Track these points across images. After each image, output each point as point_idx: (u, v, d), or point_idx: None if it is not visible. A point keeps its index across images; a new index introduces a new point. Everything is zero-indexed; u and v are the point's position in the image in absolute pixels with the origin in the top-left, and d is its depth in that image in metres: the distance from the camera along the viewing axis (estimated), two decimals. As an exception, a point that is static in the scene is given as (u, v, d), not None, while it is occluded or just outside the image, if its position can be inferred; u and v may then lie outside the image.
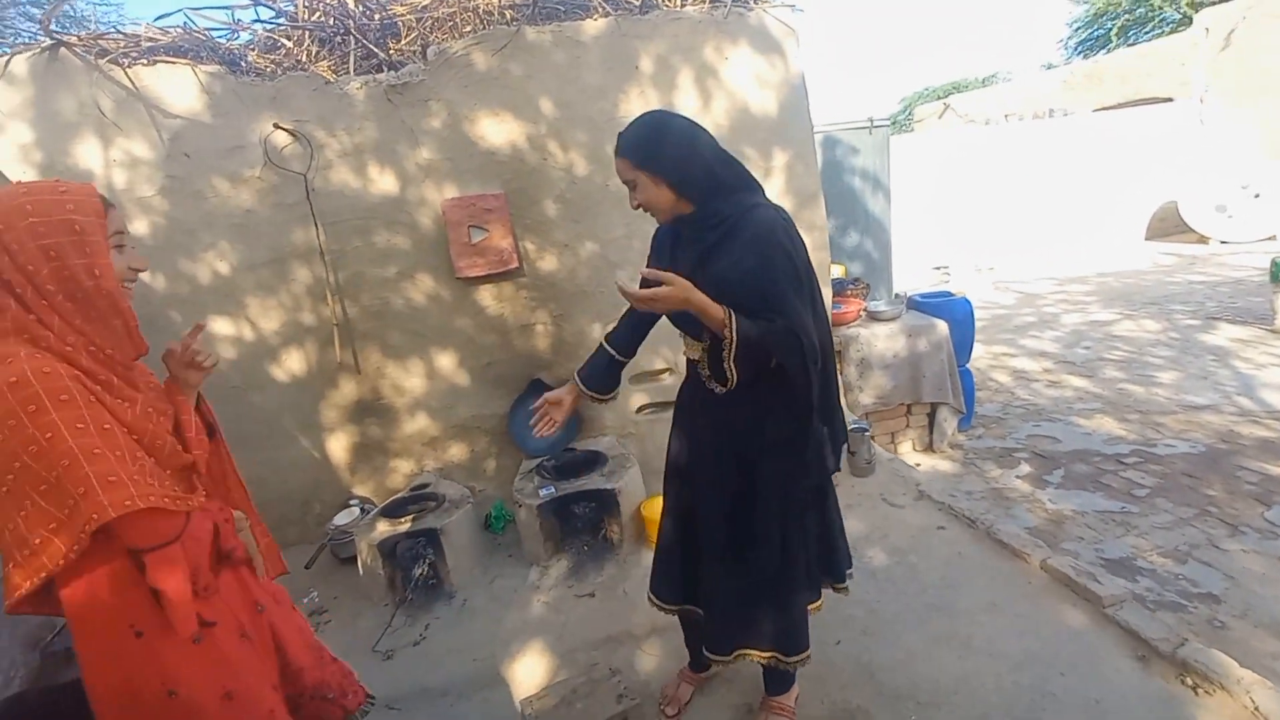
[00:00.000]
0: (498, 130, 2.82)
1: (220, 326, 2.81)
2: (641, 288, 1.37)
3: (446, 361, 3.02)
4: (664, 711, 1.87)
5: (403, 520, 2.62)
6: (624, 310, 1.72)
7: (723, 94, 2.98)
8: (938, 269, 8.45)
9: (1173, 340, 5.17)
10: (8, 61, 2.42)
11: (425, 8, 2.89)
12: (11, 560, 1.04)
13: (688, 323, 1.44)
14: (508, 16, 2.85)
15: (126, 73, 2.52)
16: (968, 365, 3.83)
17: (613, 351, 1.67)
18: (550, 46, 2.79)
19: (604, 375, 1.68)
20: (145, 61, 2.57)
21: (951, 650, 2.00)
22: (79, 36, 2.51)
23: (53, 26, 2.49)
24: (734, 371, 1.36)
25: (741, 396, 1.44)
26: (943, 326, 3.55)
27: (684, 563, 1.68)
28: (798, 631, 1.61)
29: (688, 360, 1.60)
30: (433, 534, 2.56)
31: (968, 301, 3.80)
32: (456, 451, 3.13)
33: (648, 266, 1.50)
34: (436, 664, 2.23)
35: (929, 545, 2.54)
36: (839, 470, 1.64)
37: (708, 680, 1.97)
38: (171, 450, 1.16)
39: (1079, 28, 18.32)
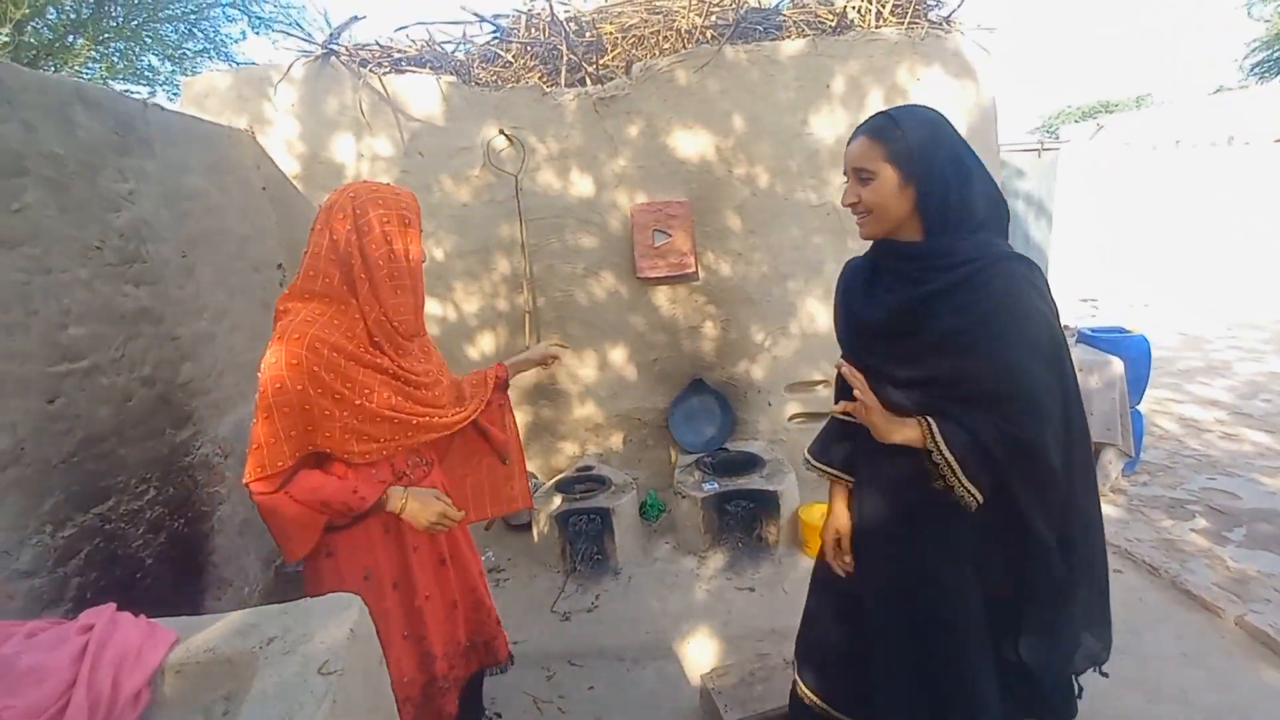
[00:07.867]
0: (689, 142, 3.00)
1: (430, 306, 3.16)
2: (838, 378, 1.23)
3: (618, 355, 3.23)
4: None
5: (577, 496, 2.84)
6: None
7: (910, 115, 3.01)
8: (1085, 301, 7.89)
9: (1376, 402, 4.63)
10: (290, 66, 2.86)
11: (631, 27, 3.12)
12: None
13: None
14: (709, 35, 3.03)
15: (382, 80, 2.90)
16: (1138, 407, 3.64)
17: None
18: (747, 65, 2.94)
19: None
20: (397, 70, 2.95)
21: (1138, 694, 1.96)
22: (346, 47, 2.91)
23: (326, 38, 2.90)
24: (973, 490, 1.09)
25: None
26: (1118, 364, 3.39)
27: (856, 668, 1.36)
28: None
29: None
30: (605, 513, 2.77)
31: (1145, 340, 3.61)
32: (616, 440, 3.35)
33: (836, 316, 1.30)
34: (611, 630, 2.43)
35: (1104, 587, 2.47)
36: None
37: None
38: (403, 421, 1.40)
39: (1257, 48, 16.50)
